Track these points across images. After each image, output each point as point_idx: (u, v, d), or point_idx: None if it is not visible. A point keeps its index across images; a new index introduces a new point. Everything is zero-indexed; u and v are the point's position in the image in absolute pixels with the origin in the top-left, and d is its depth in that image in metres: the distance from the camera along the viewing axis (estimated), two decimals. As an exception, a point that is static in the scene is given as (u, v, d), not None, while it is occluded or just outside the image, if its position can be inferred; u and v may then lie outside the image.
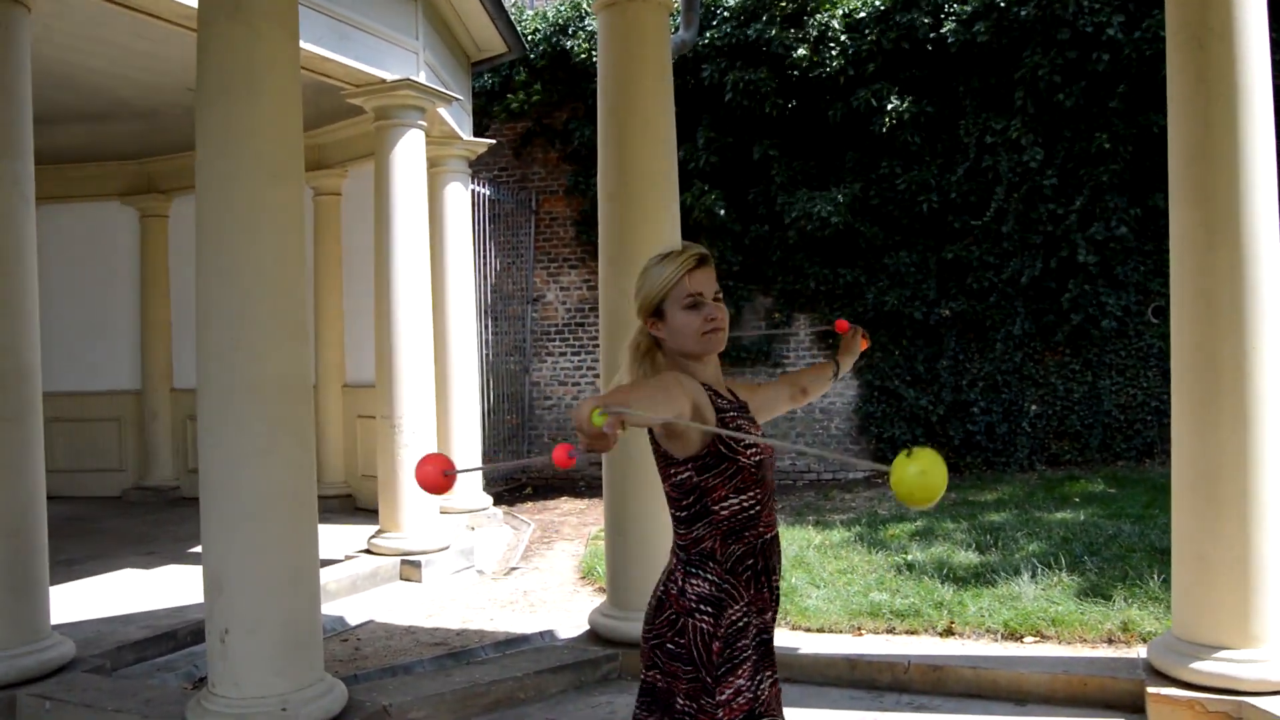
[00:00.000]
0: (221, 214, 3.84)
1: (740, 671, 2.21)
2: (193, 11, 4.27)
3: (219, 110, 3.86)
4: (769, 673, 2.31)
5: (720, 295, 2.33)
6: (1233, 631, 3.97)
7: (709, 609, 2.23)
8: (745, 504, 2.28)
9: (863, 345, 3.03)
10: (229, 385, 3.80)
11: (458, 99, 8.28)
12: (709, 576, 2.25)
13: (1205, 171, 4.01)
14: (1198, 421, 4.07)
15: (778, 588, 2.39)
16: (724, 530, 2.26)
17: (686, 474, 2.24)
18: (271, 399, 3.83)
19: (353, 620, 6.21)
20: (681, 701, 2.21)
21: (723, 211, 11.02)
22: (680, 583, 2.27)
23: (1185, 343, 4.13)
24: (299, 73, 4.10)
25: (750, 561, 2.29)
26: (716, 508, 2.25)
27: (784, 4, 11.10)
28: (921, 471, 1.65)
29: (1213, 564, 4.00)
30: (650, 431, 2.24)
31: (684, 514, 2.28)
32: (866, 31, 10.82)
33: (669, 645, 2.24)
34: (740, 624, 2.24)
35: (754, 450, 2.27)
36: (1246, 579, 3.94)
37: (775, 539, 2.39)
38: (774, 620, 2.37)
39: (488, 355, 11.30)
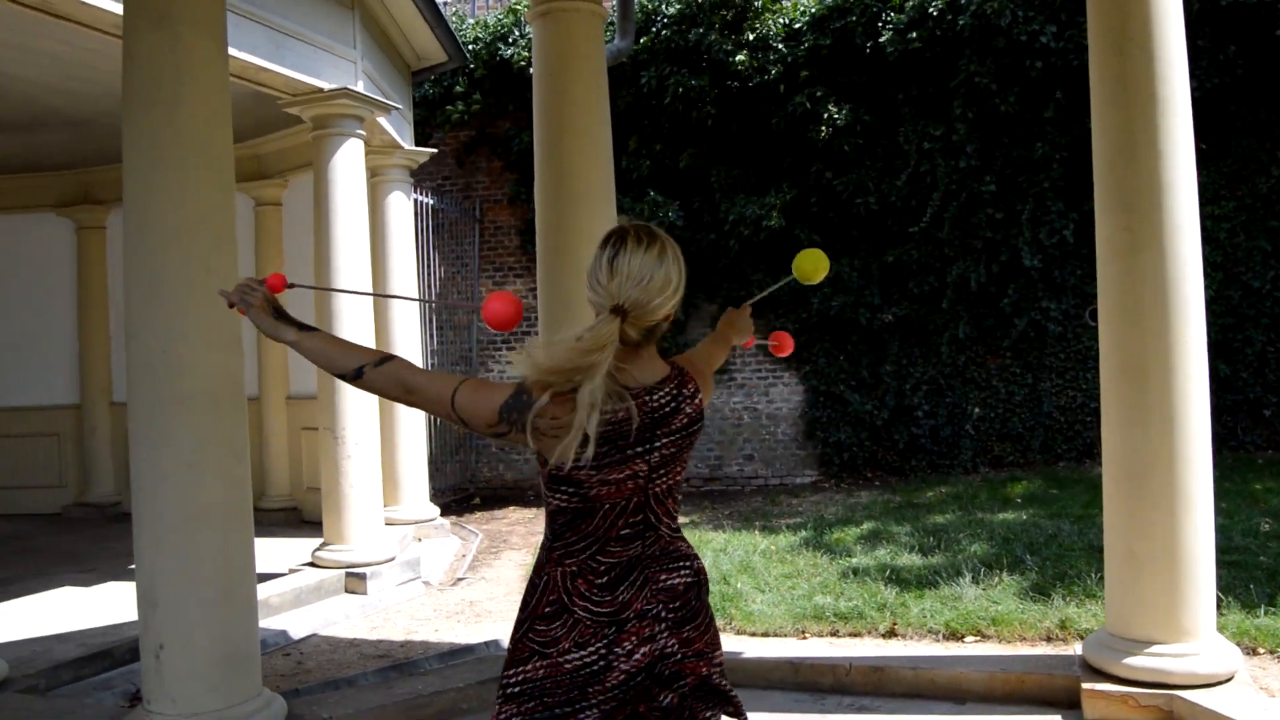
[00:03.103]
0: (149, 224, 3.79)
1: None
2: (120, 20, 4.21)
3: (146, 119, 3.81)
4: None
5: None
6: (1163, 626, 4.06)
7: None
8: None
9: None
10: (158, 398, 3.75)
11: (397, 108, 8.24)
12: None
13: (1128, 176, 4.10)
14: (1126, 421, 4.16)
15: None
16: None
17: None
18: (203, 411, 3.78)
19: (296, 634, 6.14)
20: (719, 659, 2.24)
21: (680, 221, 11.03)
22: (694, 552, 2.29)
23: (1113, 344, 4.22)
24: (228, 81, 4.06)
25: None
26: None
27: (724, 11, 11.19)
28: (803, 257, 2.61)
29: (1143, 561, 4.09)
30: (701, 418, 2.23)
31: (680, 497, 2.30)
32: (804, 39, 10.92)
33: (711, 622, 2.27)
34: None
35: None
36: (1175, 575, 4.03)
37: None
38: None
39: (433, 365, 11.23)
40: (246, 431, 4.04)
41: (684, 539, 2.26)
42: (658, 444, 2.10)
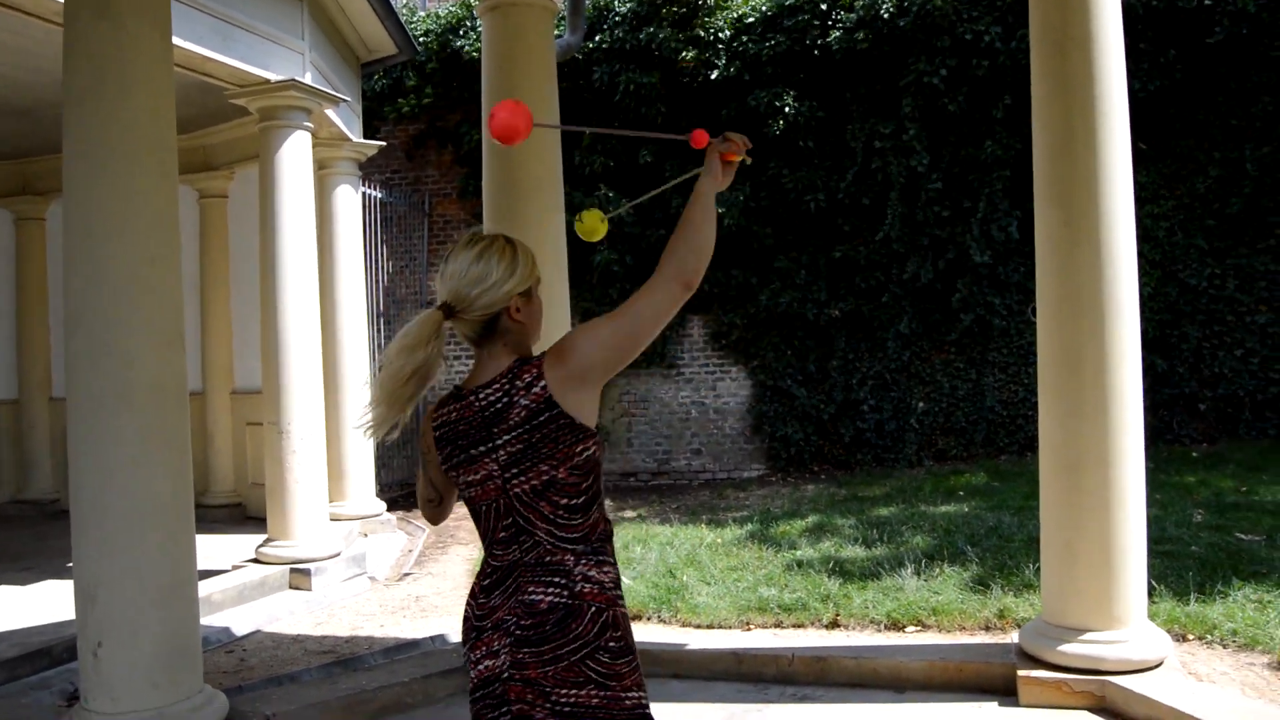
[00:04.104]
0: (90, 214, 3.75)
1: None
2: (60, 8, 4.15)
3: (87, 108, 3.77)
4: None
5: None
6: (1097, 614, 4.16)
7: (621, 593, 2.13)
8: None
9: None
10: (99, 392, 3.71)
11: (346, 100, 8.17)
12: (610, 560, 2.13)
13: (1067, 172, 4.20)
14: (1062, 414, 4.26)
15: None
16: (603, 511, 2.17)
17: (593, 448, 2.09)
18: (144, 406, 3.74)
19: (239, 631, 6.08)
20: (633, 697, 2.04)
21: (629, 216, 11.08)
22: (596, 574, 2.07)
23: (1050, 338, 4.32)
24: (172, 70, 4.03)
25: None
26: (600, 483, 2.15)
27: (675, 8, 11.23)
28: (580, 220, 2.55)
29: (1077, 551, 4.19)
30: (554, 406, 2.05)
31: (581, 499, 2.08)
32: (751, 37, 10.99)
33: (610, 645, 2.03)
34: None
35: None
36: (1109, 564, 4.14)
37: None
38: None
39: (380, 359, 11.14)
40: (188, 426, 4.00)
41: (578, 554, 2.08)
42: (499, 442, 2.08)
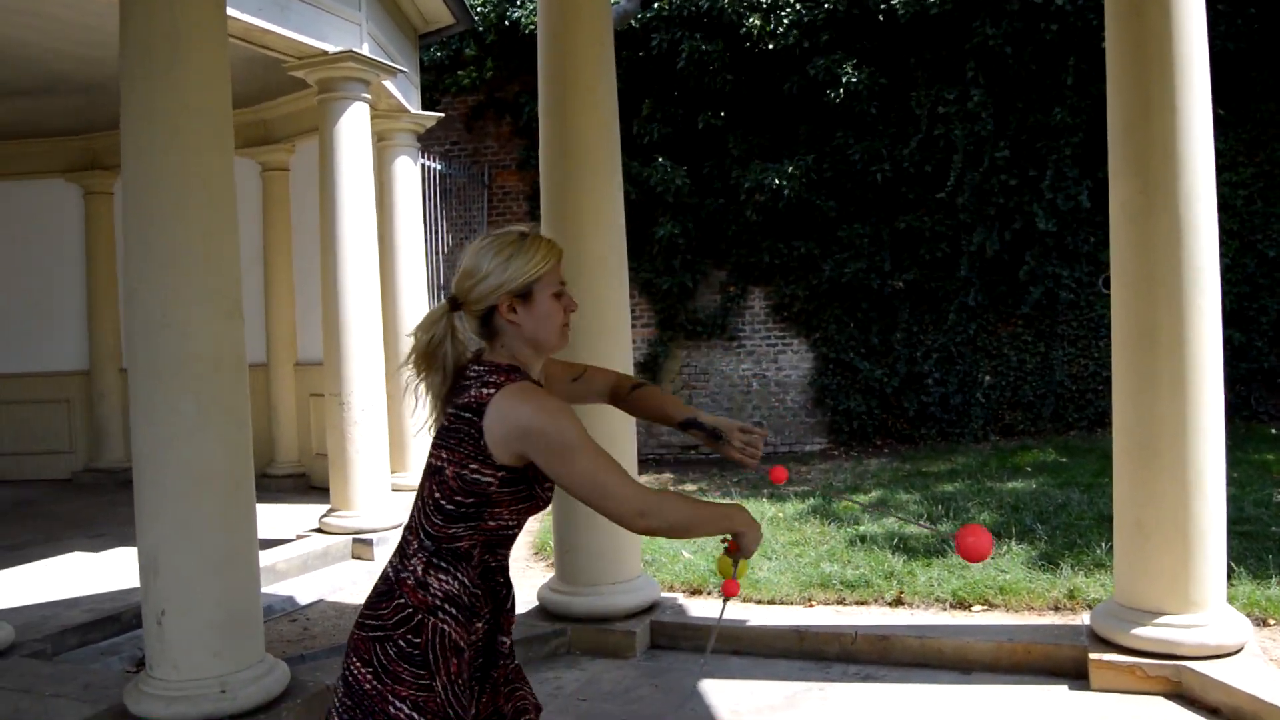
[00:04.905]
0: (147, 188, 3.74)
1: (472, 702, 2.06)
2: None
3: (142, 82, 3.75)
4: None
5: None
6: (1172, 597, 4.01)
7: (455, 612, 2.01)
8: (509, 524, 2.08)
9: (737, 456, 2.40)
10: (158, 363, 3.71)
11: (403, 71, 8.15)
12: (460, 577, 2.03)
13: (1144, 139, 4.02)
14: (1137, 389, 4.10)
15: (502, 622, 2.18)
16: (484, 539, 2.06)
17: (489, 479, 2.00)
18: (203, 377, 3.74)
19: (303, 600, 6.14)
20: (401, 711, 1.94)
21: (686, 186, 10.97)
22: (421, 573, 2.02)
23: (1125, 311, 4.15)
24: (226, 42, 4.00)
25: (499, 580, 2.14)
26: (488, 518, 2.04)
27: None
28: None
29: (1152, 531, 4.04)
30: (480, 419, 2.00)
31: (451, 509, 2.02)
32: (813, 2, 10.76)
33: (401, 643, 1.97)
34: (484, 640, 2.10)
35: (551, 488, 2.11)
36: (1185, 545, 3.98)
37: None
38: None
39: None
40: (248, 396, 4.01)
41: (422, 546, 2.04)
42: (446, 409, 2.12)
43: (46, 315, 10.54)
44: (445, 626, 2.00)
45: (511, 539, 2.14)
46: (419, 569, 2.03)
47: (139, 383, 3.77)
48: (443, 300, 2.16)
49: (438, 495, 2.03)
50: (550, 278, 2.11)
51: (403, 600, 2.00)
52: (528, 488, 2.05)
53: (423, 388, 2.14)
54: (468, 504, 2.02)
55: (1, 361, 10.41)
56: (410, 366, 2.14)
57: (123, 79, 3.80)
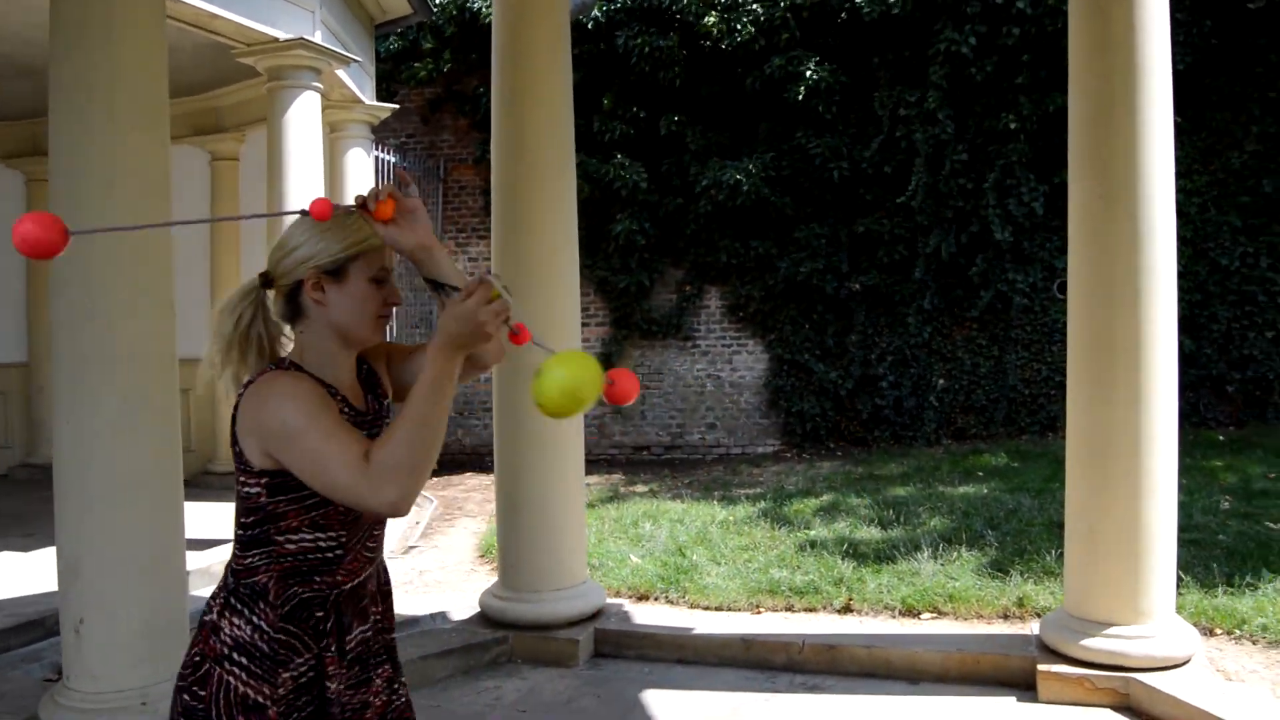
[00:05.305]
0: (74, 171, 3.60)
1: None
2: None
3: (74, 61, 3.62)
4: None
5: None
6: (1122, 607, 3.98)
7: (245, 663, 1.75)
8: (321, 544, 1.80)
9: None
10: (82, 357, 3.56)
11: (357, 60, 7.98)
12: (254, 620, 1.76)
13: (1104, 140, 3.99)
14: (1092, 397, 4.07)
15: (371, 658, 1.90)
16: (285, 568, 1.78)
17: (256, 489, 1.76)
18: (129, 373, 3.58)
19: (239, 602, 5.96)
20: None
21: (644, 184, 10.87)
22: (216, 615, 1.78)
23: (1081, 317, 4.11)
24: (164, 20, 3.85)
25: (320, 614, 1.81)
26: (281, 539, 1.77)
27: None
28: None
29: (1103, 540, 4.00)
30: (233, 430, 1.77)
31: (243, 534, 1.80)
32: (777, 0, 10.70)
33: (185, 695, 1.75)
34: (304, 689, 1.79)
35: None
36: (1136, 554, 3.95)
37: (360, 592, 1.89)
38: (380, 704, 1.91)
39: (393, 326, 11.01)
40: (178, 395, 3.85)
41: (226, 582, 1.81)
42: None
43: (-16, 306, 10.24)
44: (231, 679, 1.74)
45: (338, 561, 1.82)
46: (215, 610, 1.80)
47: (61, 375, 3.62)
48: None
49: (239, 511, 1.81)
50: (371, 259, 1.81)
51: (198, 646, 1.78)
52: (311, 492, 1.73)
53: (229, 381, 1.84)
54: (250, 525, 1.78)
55: (-65, 352, 10.11)
56: (214, 359, 1.83)
57: (52, 59, 3.70)
